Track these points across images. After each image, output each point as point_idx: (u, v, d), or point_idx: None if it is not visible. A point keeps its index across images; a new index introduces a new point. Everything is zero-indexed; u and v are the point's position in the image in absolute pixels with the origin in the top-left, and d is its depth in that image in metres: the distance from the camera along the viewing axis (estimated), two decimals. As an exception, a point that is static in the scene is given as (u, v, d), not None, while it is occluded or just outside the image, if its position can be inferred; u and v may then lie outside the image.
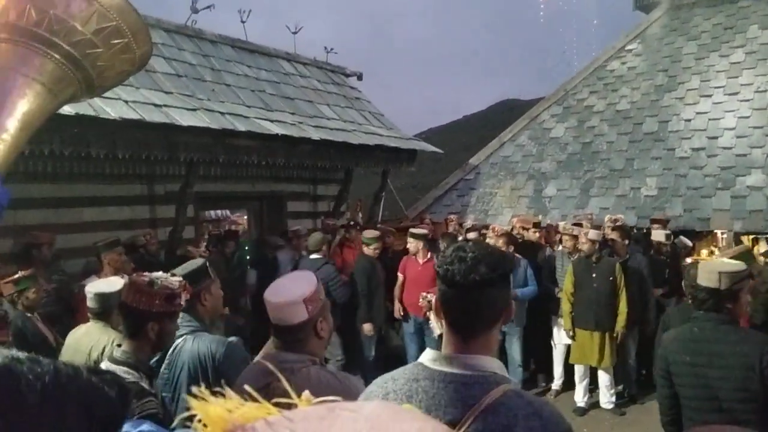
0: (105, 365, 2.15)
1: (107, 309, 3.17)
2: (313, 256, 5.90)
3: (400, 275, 6.22)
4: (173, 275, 2.54)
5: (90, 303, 3.18)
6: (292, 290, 1.98)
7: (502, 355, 6.05)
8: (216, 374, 2.49)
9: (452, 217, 8.33)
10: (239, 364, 2.57)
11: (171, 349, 2.56)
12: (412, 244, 6.45)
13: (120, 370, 2.09)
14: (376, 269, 6.20)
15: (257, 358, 2.16)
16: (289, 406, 0.51)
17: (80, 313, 3.83)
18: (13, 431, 0.50)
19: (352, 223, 7.93)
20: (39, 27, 1.38)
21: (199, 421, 0.48)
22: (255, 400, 0.51)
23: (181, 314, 2.62)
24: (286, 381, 1.72)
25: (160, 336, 2.20)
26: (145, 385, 2.10)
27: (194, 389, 0.50)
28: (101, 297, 3.17)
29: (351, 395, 1.90)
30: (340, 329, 6.10)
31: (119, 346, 2.24)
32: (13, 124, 1.35)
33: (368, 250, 6.17)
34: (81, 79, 1.51)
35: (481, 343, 1.41)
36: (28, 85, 1.40)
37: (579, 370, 5.93)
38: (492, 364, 1.39)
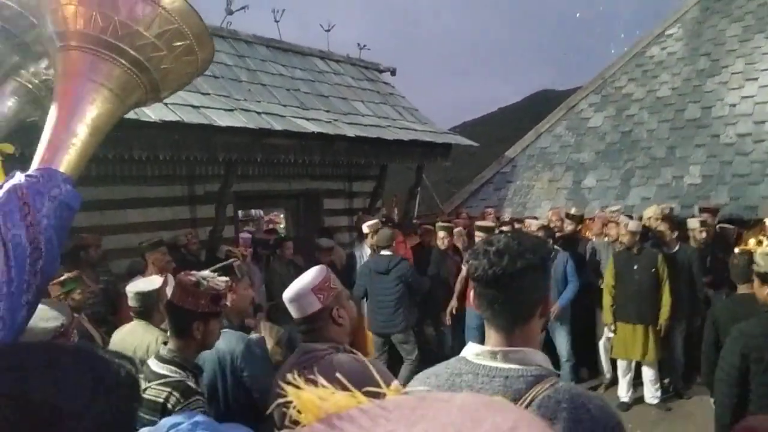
0: (152, 363, 2.21)
1: (148, 307, 3.25)
2: (384, 252, 5.88)
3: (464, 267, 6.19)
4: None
5: (131, 302, 3.27)
6: (301, 282, 2.06)
7: (551, 351, 6.00)
8: (236, 370, 2.53)
9: (489, 210, 8.26)
10: (258, 361, 2.62)
11: None
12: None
13: (167, 369, 2.14)
14: (446, 262, 6.46)
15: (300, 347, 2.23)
16: (377, 396, 0.52)
17: (125, 312, 3.93)
18: None
19: (384, 219, 7.95)
20: (105, 33, 1.43)
21: (294, 407, 0.49)
22: (346, 389, 0.52)
23: None
24: (311, 369, 1.76)
25: (205, 335, 2.25)
26: (191, 383, 2.14)
27: (288, 376, 0.52)
28: (141, 296, 3.25)
29: (373, 379, 1.92)
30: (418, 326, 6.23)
31: (165, 344, 2.30)
32: (83, 129, 1.40)
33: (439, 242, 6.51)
34: (146, 83, 1.56)
35: (521, 337, 1.38)
36: (96, 91, 1.44)
37: (622, 365, 5.82)
38: (536, 357, 1.37)
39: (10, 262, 1.12)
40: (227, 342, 2.58)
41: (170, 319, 2.28)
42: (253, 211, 10.51)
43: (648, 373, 5.72)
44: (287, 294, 2.06)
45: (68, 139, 1.36)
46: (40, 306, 1.39)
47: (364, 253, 6.59)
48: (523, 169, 9.74)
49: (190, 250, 5.96)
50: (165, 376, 2.14)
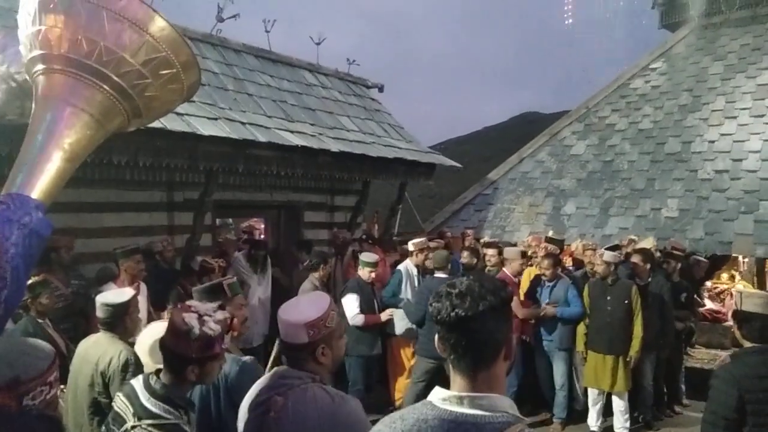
0: (143, 397, 2.08)
1: (115, 319, 3.19)
2: (438, 275, 5.74)
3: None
4: (222, 306, 2.52)
5: (99, 312, 3.20)
6: (299, 312, 2.02)
7: (550, 377, 6.04)
8: (228, 394, 2.48)
9: (468, 231, 8.29)
10: (250, 384, 2.55)
11: None
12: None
13: (160, 408, 2.04)
14: None
15: (266, 371, 2.19)
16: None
17: (95, 318, 3.86)
18: None
19: (364, 236, 7.94)
20: (89, 58, 1.40)
21: None
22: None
23: None
24: (284, 397, 1.70)
25: (201, 377, 2.13)
26: (185, 426, 2.05)
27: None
28: (110, 307, 3.19)
29: (344, 417, 1.94)
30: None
31: (157, 374, 2.16)
32: (58, 155, 1.37)
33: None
34: (128, 110, 1.53)
35: (486, 381, 1.37)
36: (76, 116, 1.42)
37: (592, 394, 5.85)
38: (503, 402, 1.36)
39: None
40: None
41: (164, 357, 2.14)
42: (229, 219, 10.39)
43: (617, 404, 5.75)
44: (282, 313, 2.03)
45: (43, 164, 1.32)
46: (30, 341, 1.36)
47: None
48: (504, 192, 9.81)
49: (165, 257, 5.86)
50: (158, 416, 2.03)
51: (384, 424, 1.46)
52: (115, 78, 1.42)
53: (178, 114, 5.37)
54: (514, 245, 7.12)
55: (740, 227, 7.63)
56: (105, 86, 1.42)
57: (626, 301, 5.61)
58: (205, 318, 2.09)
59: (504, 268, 6.18)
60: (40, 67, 1.42)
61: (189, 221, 6.29)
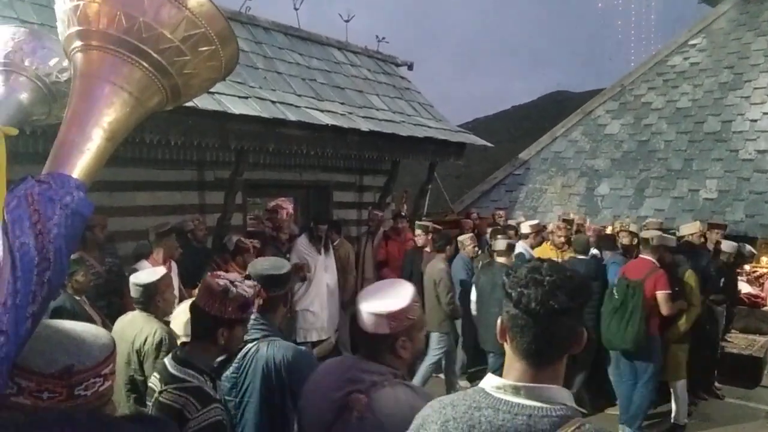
0: (169, 364, 2.12)
1: (148, 299, 3.20)
2: (581, 257, 5.66)
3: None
4: (248, 277, 2.50)
5: (132, 293, 3.22)
6: (381, 301, 1.91)
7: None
8: (289, 382, 2.43)
9: (500, 212, 8.18)
10: (307, 373, 2.52)
11: (242, 353, 2.48)
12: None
13: (185, 373, 2.06)
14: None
15: (331, 361, 2.10)
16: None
17: (129, 296, 3.89)
18: None
19: (402, 214, 7.90)
20: (128, 34, 1.36)
21: None
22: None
23: (254, 315, 2.57)
24: (366, 395, 1.62)
25: (229, 341, 2.16)
26: (209, 390, 2.07)
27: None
28: (142, 287, 3.20)
29: None
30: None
31: (184, 344, 2.22)
32: (98, 133, 1.33)
33: None
34: (168, 87, 1.49)
35: (549, 373, 1.32)
36: (115, 94, 1.38)
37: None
38: (561, 394, 1.30)
39: (17, 272, 1.06)
40: (282, 352, 2.46)
41: (193, 321, 2.19)
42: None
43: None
44: (363, 303, 1.92)
45: (83, 143, 1.29)
46: (91, 329, 1.33)
47: None
48: (536, 173, 9.65)
49: (196, 236, 5.89)
50: (183, 380, 2.05)
51: (433, 409, 1.41)
52: (155, 55, 1.38)
53: (209, 93, 5.35)
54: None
55: (783, 209, 7.40)
56: (144, 63, 1.38)
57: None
58: (237, 283, 2.14)
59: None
60: (78, 43, 1.37)
61: (220, 200, 6.29)
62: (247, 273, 2.61)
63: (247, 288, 2.15)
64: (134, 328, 3.19)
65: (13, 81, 1.59)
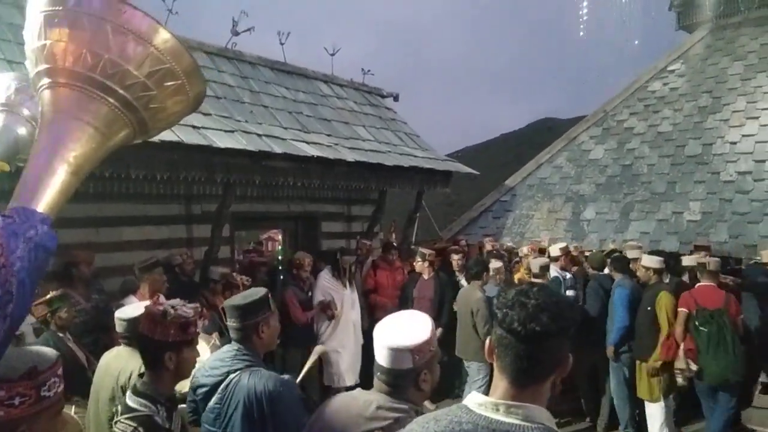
0: (128, 396, 2.17)
1: (133, 334, 3.19)
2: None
3: None
4: (230, 304, 2.57)
5: (117, 328, 3.22)
6: (404, 335, 1.90)
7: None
8: (271, 413, 2.43)
9: (488, 238, 8.23)
10: (293, 404, 2.53)
11: (224, 384, 2.51)
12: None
13: (138, 403, 2.11)
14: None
15: (343, 395, 2.09)
16: None
17: (116, 332, 3.89)
18: None
19: (393, 244, 7.96)
20: (94, 71, 1.42)
21: None
22: None
23: (236, 346, 2.61)
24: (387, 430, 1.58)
25: (178, 365, 2.21)
26: (158, 418, 2.10)
27: None
28: (127, 322, 3.20)
29: None
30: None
31: (141, 376, 2.26)
32: (63, 168, 1.38)
33: None
34: (134, 121, 1.54)
35: (531, 393, 1.35)
36: (81, 129, 1.43)
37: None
38: (540, 414, 1.34)
39: None
40: (263, 382, 2.47)
41: (142, 350, 2.24)
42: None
43: None
44: (385, 339, 1.89)
45: (48, 177, 1.33)
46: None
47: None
48: (522, 199, 9.74)
49: (184, 270, 5.91)
50: (134, 410, 2.10)
51: (417, 424, 1.45)
52: (121, 91, 1.44)
53: (194, 127, 5.43)
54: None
55: (765, 229, 7.47)
56: (110, 99, 1.43)
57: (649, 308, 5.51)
58: (176, 306, 2.21)
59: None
60: (45, 81, 1.43)
61: (207, 233, 6.32)
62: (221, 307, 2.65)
63: (187, 310, 2.21)
64: (119, 363, 3.18)
65: (10, 119, 1.66)
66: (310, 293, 6.27)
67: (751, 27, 10.54)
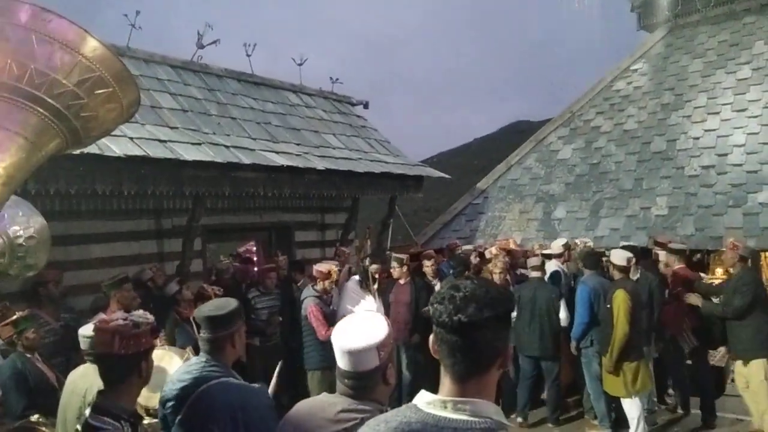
0: (88, 415, 2.12)
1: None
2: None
3: None
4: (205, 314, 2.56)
5: (82, 345, 3.16)
6: (366, 335, 1.91)
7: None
8: (244, 423, 2.42)
9: (457, 242, 8.29)
10: (266, 413, 2.52)
11: (194, 396, 2.47)
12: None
13: (101, 421, 2.06)
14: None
15: (308, 401, 2.09)
16: None
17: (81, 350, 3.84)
18: None
19: (359, 252, 7.93)
20: (20, 81, 1.41)
21: None
22: None
23: (204, 358, 2.58)
24: None
25: (148, 371, 2.21)
26: None
27: None
28: (91, 339, 3.15)
29: None
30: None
31: (101, 393, 2.21)
32: None
33: None
34: (65, 131, 1.53)
35: (475, 387, 1.35)
36: (10, 140, 1.41)
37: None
38: (488, 408, 1.33)
39: None
40: (236, 392, 2.47)
41: (107, 370, 2.17)
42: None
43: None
44: (348, 344, 1.90)
45: None
46: None
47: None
48: (494, 201, 9.84)
49: (156, 284, 5.85)
50: (98, 428, 2.06)
51: (369, 427, 1.44)
52: (49, 100, 1.43)
53: (160, 141, 5.40)
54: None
55: (729, 221, 7.66)
56: (39, 109, 1.43)
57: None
58: (134, 317, 2.19)
59: None
60: None
61: (179, 248, 6.27)
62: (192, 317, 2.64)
63: (147, 316, 2.23)
64: (86, 381, 3.13)
65: None
66: (331, 306, 5.96)
67: (708, 25, 10.84)
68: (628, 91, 10.54)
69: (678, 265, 6.21)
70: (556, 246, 6.97)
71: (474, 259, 7.12)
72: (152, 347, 2.23)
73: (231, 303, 2.70)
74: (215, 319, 2.57)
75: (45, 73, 1.41)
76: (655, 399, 6.36)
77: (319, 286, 5.84)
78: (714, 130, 8.89)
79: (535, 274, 6.28)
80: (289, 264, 7.09)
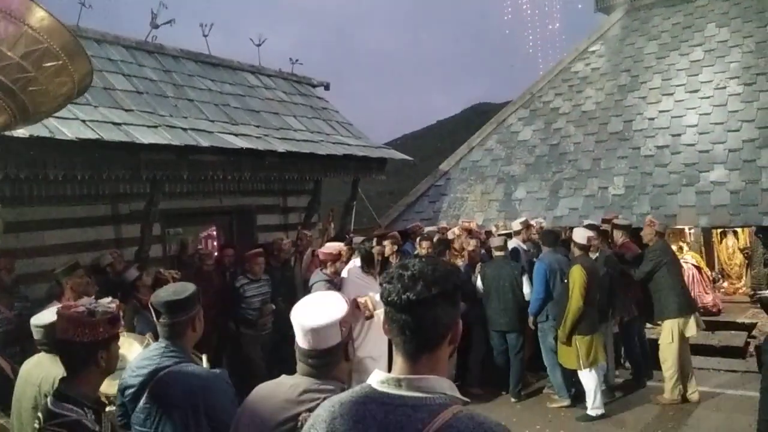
0: (49, 402, 2.09)
1: (51, 340, 3.07)
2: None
3: None
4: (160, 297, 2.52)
5: (36, 335, 3.08)
6: (326, 312, 1.91)
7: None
8: (204, 408, 2.39)
9: (419, 224, 8.34)
10: (226, 398, 2.50)
11: (153, 382, 2.44)
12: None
13: (64, 408, 2.04)
14: None
15: (268, 384, 2.05)
16: None
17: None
18: None
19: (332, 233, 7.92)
20: None
21: None
22: None
23: (164, 343, 2.55)
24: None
25: (109, 361, 2.17)
26: (88, 422, 2.04)
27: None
28: (44, 329, 3.07)
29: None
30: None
31: (62, 380, 2.18)
32: None
33: None
34: (12, 107, 1.46)
35: (428, 364, 1.36)
36: None
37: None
38: (441, 384, 1.34)
39: None
40: (196, 377, 2.44)
41: (67, 357, 2.15)
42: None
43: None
44: (311, 322, 1.87)
45: None
46: None
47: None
48: (456, 182, 9.91)
49: (115, 270, 5.72)
50: (61, 416, 2.02)
51: (323, 409, 1.44)
52: None
53: (114, 123, 5.26)
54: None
55: (683, 199, 7.90)
56: None
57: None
58: (94, 304, 2.16)
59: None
60: None
61: (137, 233, 6.14)
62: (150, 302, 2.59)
63: (108, 305, 2.18)
64: (41, 370, 3.05)
65: None
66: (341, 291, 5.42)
67: (663, 8, 11.04)
68: (586, 72, 10.70)
69: (623, 239, 6.64)
70: (516, 224, 7.20)
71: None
72: (112, 337, 2.17)
73: (189, 287, 2.66)
74: (174, 304, 2.53)
75: None
76: (617, 373, 6.56)
77: (329, 269, 5.46)
78: (668, 110, 9.11)
79: (498, 253, 6.49)
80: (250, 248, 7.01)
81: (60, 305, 3.71)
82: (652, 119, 9.13)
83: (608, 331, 6.13)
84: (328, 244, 5.92)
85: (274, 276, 6.33)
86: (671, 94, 9.32)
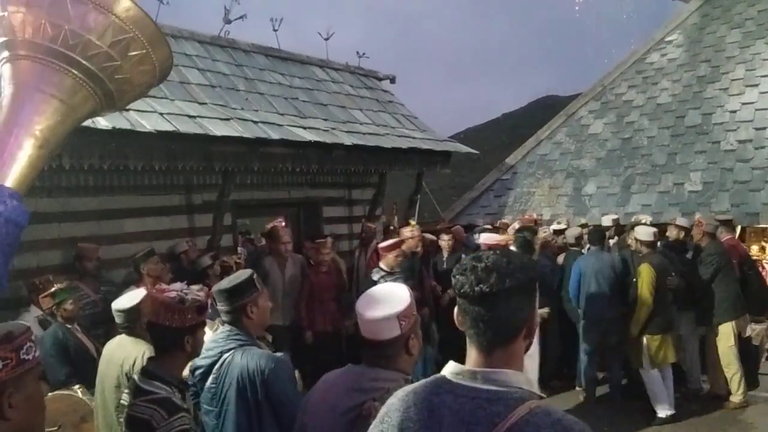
0: (138, 379, 2.19)
1: (132, 323, 3.22)
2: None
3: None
4: (208, 287, 2.60)
5: (116, 319, 3.24)
6: (386, 304, 1.94)
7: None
8: (264, 390, 2.48)
9: (479, 221, 8.25)
10: (287, 381, 2.57)
11: (218, 364, 2.55)
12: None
13: (153, 385, 2.13)
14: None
15: (335, 372, 2.10)
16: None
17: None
18: None
19: (392, 227, 7.95)
20: (55, 42, 1.39)
21: None
22: None
23: (228, 328, 2.65)
24: (380, 402, 1.59)
25: (194, 347, 2.27)
26: (177, 400, 2.12)
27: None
28: (123, 312, 3.22)
29: None
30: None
31: (151, 359, 2.28)
32: (30, 142, 1.36)
33: None
34: (100, 94, 1.52)
35: (503, 357, 1.34)
36: (45, 102, 1.41)
37: None
38: (518, 378, 1.33)
39: None
40: (255, 360, 2.51)
41: (156, 338, 2.25)
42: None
43: None
44: (369, 313, 1.91)
45: (15, 152, 1.32)
46: None
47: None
48: (523, 176, 9.72)
49: (189, 257, 5.94)
50: (150, 392, 2.11)
51: (397, 398, 1.44)
52: (83, 61, 1.42)
53: (189, 116, 5.44)
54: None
55: (767, 197, 7.45)
56: (73, 70, 1.41)
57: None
58: (186, 291, 2.24)
59: None
60: (5, 54, 1.41)
61: (209, 223, 6.35)
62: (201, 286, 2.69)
63: (197, 292, 2.26)
64: (123, 351, 3.22)
65: None
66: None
67: (748, -6, 10.43)
68: (662, 63, 10.25)
69: (726, 236, 6.49)
70: (606, 221, 7.33)
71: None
72: (199, 324, 2.26)
73: (244, 274, 2.75)
74: (227, 292, 2.63)
75: (79, 33, 1.39)
76: (704, 378, 6.31)
77: (384, 263, 5.47)
78: (752, 103, 8.60)
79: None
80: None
81: (153, 288, 3.92)
82: (734, 112, 8.65)
83: (692, 335, 6.11)
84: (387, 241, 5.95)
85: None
86: (756, 86, 8.80)
